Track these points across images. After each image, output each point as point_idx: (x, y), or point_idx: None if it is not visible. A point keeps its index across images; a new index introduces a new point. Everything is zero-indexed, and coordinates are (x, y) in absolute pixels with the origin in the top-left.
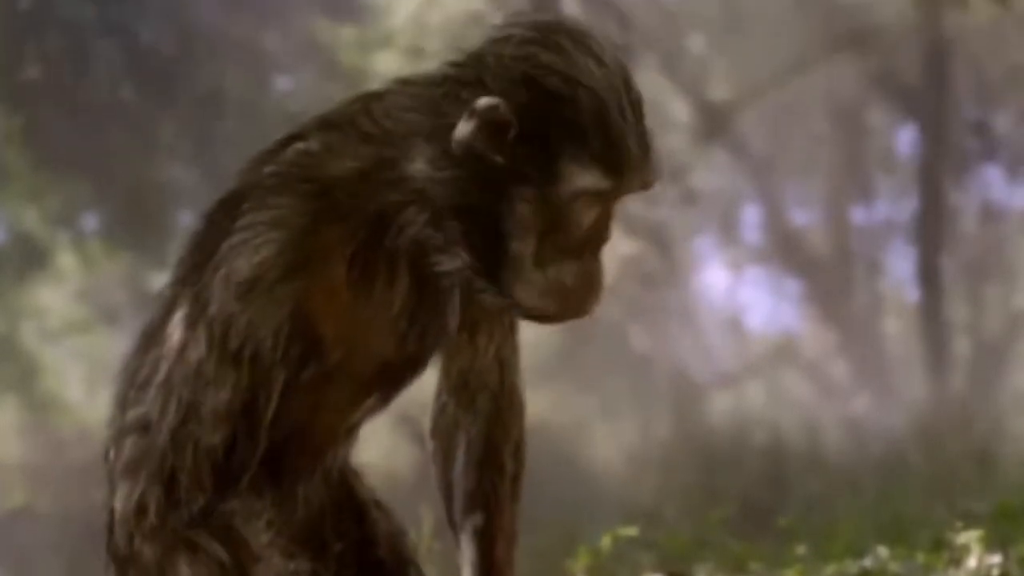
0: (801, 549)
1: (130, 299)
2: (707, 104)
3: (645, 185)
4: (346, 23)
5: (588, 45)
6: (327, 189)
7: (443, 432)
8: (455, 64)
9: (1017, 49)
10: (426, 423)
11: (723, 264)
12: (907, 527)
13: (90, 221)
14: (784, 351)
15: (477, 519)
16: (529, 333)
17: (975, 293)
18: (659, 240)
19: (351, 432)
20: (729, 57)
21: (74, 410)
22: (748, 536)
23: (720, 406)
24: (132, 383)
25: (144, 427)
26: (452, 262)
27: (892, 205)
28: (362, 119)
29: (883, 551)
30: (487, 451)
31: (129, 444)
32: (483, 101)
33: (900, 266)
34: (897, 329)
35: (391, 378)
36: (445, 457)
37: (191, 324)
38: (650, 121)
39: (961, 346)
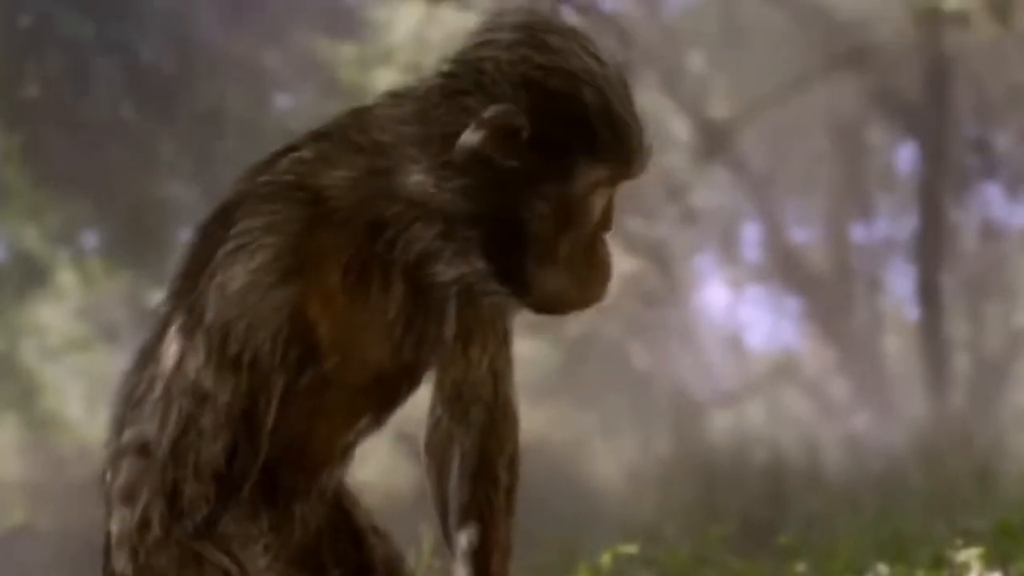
0: (801, 567)
1: (130, 317)
2: (707, 122)
3: (644, 168)
4: (346, 40)
5: (575, 40)
6: (320, 197)
7: (437, 446)
8: (448, 74)
9: (1017, 68)
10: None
11: (723, 282)
12: (907, 545)
13: (90, 239)
14: (784, 369)
15: (472, 533)
16: (529, 350)
17: (975, 311)
18: (659, 258)
19: (346, 452)
20: (729, 75)
21: (74, 428)
22: (748, 554)
23: (720, 423)
24: (128, 402)
25: (140, 447)
26: (453, 271)
27: (892, 223)
28: (354, 131)
29: (883, 569)
30: (481, 464)
31: (126, 466)
32: (494, 108)
33: (900, 284)
34: (897, 347)
35: (386, 391)
36: (440, 471)
37: (188, 334)
38: (651, 139)
39: (961, 364)
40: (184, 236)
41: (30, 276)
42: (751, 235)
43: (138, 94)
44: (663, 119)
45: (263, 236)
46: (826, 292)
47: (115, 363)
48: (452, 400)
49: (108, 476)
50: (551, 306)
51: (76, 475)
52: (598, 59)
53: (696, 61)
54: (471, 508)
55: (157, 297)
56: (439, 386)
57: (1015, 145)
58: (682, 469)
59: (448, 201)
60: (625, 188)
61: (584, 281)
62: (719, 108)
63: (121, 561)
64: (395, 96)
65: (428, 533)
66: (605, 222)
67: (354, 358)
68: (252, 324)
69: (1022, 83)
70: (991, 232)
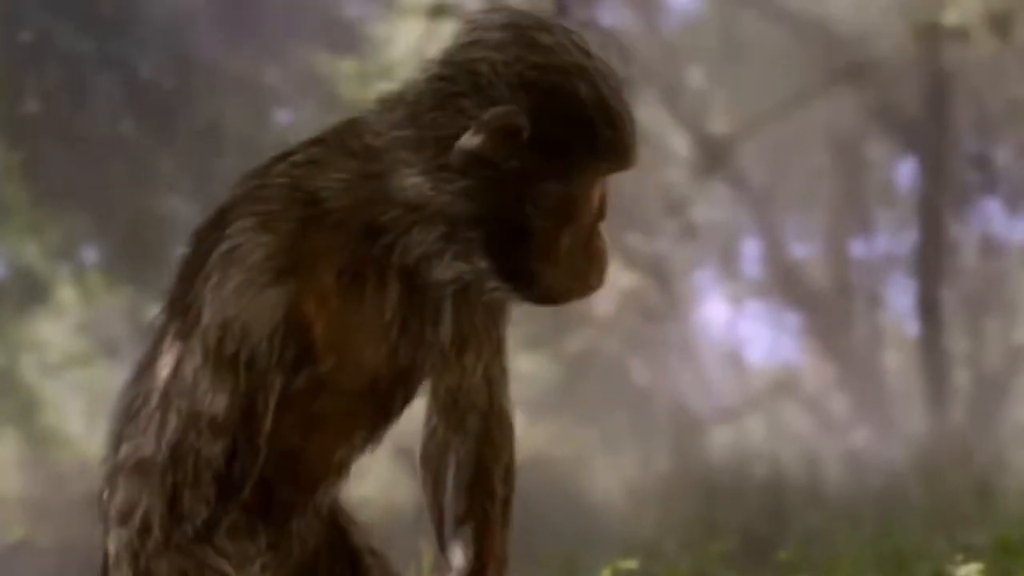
0: None
1: (130, 332)
2: (707, 137)
3: (637, 159)
4: (346, 56)
5: (564, 36)
6: (315, 199)
7: (433, 457)
8: (440, 77)
9: (1017, 83)
10: None
11: (723, 297)
12: (907, 560)
13: (90, 254)
14: (784, 384)
15: (468, 545)
16: (529, 366)
17: (975, 326)
18: (659, 274)
19: (343, 467)
20: (729, 90)
21: (74, 443)
22: (748, 569)
23: (720, 439)
24: (125, 416)
25: (137, 463)
26: (452, 271)
27: (892, 238)
28: (348, 137)
29: None
30: (477, 475)
31: (122, 484)
32: (495, 110)
33: (900, 299)
34: (897, 362)
35: (382, 400)
36: (435, 482)
37: (184, 337)
38: (650, 155)
39: (961, 379)
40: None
41: (30, 292)
42: (751, 250)
43: (138, 110)
44: (663, 134)
45: (257, 235)
46: (826, 308)
47: (115, 378)
48: (447, 408)
49: (105, 494)
50: (553, 298)
51: (76, 491)
52: (587, 53)
53: (696, 76)
54: (467, 520)
55: (157, 312)
56: (434, 394)
57: (1015, 160)
58: (682, 485)
59: (448, 203)
60: (625, 204)
61: (584, 272)
62: (719, 123)
63: (122, 569)
64: (385, 101)
65: (427, 549)
66: (600, 212)
67: (350, 360)
68: (248, 324)
69: (1022, 98)
70: (991, 247)
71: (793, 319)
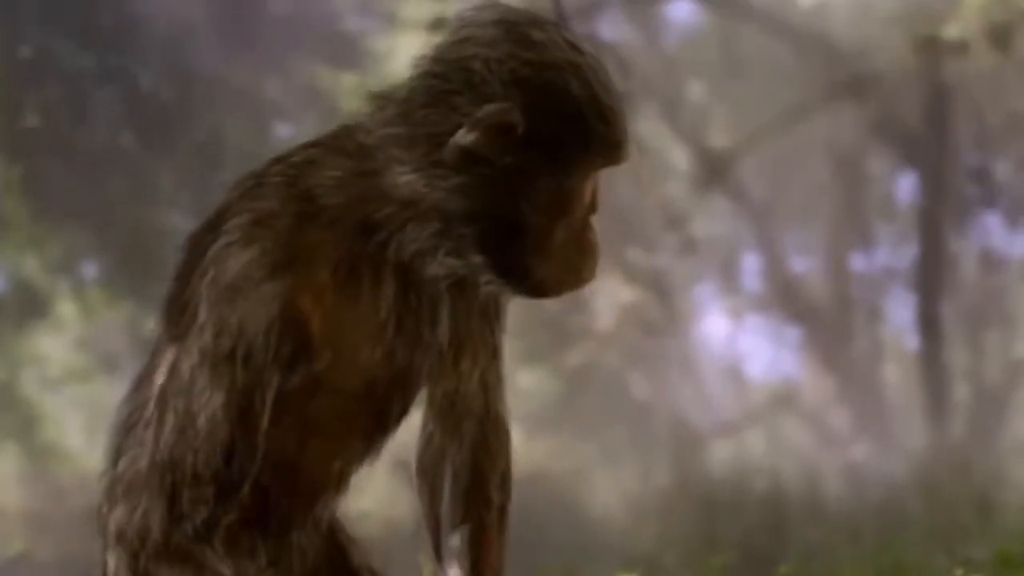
0: None
1: (130, 347)
2: (707, 151)
3: (630, 153)
4: (347, 70)
5: (555, 32)
6: (309, 196)
7: (429, 466)
8: (433, 75)
9: (1018, 96)
10: None
11: (723, 312)
12: (907, 574)
13: (90, 269)
14: (784, 399)
15: (464, 554)
16: (529, 381)
17: (975, 340)
18: (659, 288)
19: (341, 479)
20: (729, 104)
21: (74, 458)
22: None
23: (720, 454)
24: (124, 429)
25: (135, 475)
26: (446, 267)
27: (892, 252)
28: (342, 137)
29: None
30: (473, 483)
31: (121, 495)
32: (489, 108)
33: (900, 313)
34: (897, 376)
35: (379, 405)
36: (431, 491)
37: (181, 336)
38: (650, 169)
39: (961, 393)
40: None
41: (30, 306)
42: (751, 265)
43: (138, 124)
44: (663, 148)
45: (253, 231)
46: (826, 322)
47: (115, 393)
48: (444, 413)
49: (104, 508)
50: (546, 291)
51: (76, 505)
52: (578, 48)
53: (696, 91)
54: (463, 529)
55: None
56: (431, 400)
57: (1015, 174)
58: (682, 499)
59: (442, 200)
60: (625, 218)
61: (577, 265)
62: (719, 138)
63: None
64: (377, 99)
65: (427, 563)
66: (592, 206)
67: (345, 358)
68: (244, 319)
69: (1022, 112)
70: (991, 261)
71: (793, 333)
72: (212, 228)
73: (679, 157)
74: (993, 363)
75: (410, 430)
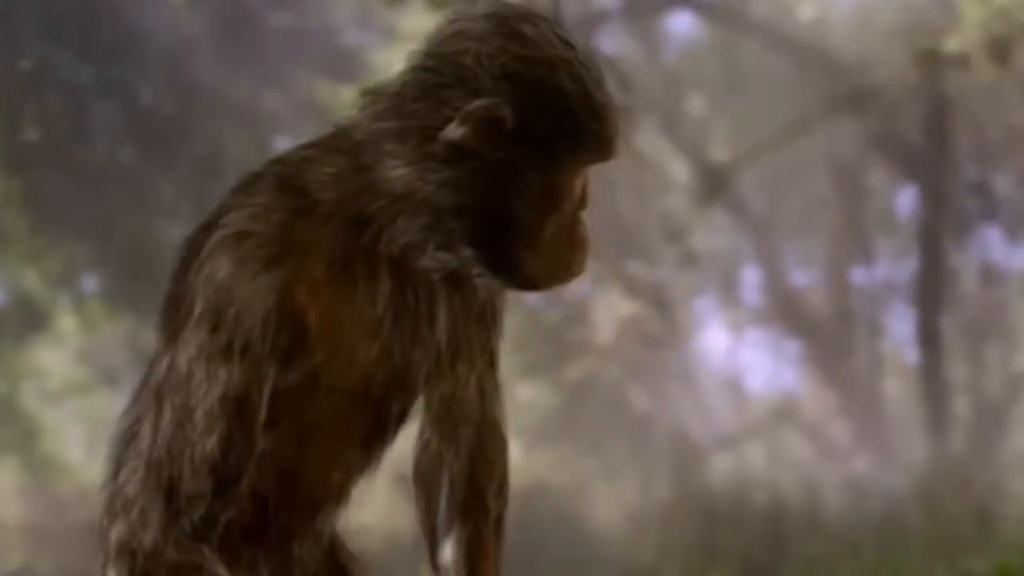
0: None
1: (130, 360)
2: (707, 165)
3: (621, 149)
4: (346, 84)
5: (547, 27)
6: (304, 191)
7: (426, 474)
8: (425, 68)
9: (1017, 110)
10: None
11: (723, 325)
12: None
13: (90, 282)
14: (784, 412)
15: (461, 565)
16: (528, 395)
17: (975, 354)
18: (659, 301)
19: (341, 491)
20: (729, 118)
21: (74, 471)
22: None
23: (720, 467)
24: (124, 442)
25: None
26: (437, 260)
27: (892, 266)
28: (337, 136)
29: None
30: (471, 492)
31: (120, 509)
32: (479, 102)
33: (900, 327)
34: (897, 390)
35: (376, 407)
36: (428, 498)
37: (177, 332)
38: (651, 182)
39: (961, 407)
40: None
41: (30, 320)
42: (751, 278)
43: (138, 137)
44: (663, 162)
45: (247, 224)
46: (826, 335)
47: (115, 406)
48: (440, 419)
49: (104, 523)
50: (536, 285)
51: (76, 518)
52: (569, 44)
53: (696, 104)
54: (460, 540)
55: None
56: (427, 405)
57: (1015, 188)
58: (682, 512)
59: (433, 193)
60: (625, 231)
61: (567, 259)
62: (719, 151)
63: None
64: (369, 93)
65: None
66: (582, 200)
67: (342, 355)
68: (240, 311)
69: (1022, 125)
70: (991, 275)
71: (793, 347)
72: (209, 227)
73: (679, 170)
74: (993, 377)
75: (410, 443)
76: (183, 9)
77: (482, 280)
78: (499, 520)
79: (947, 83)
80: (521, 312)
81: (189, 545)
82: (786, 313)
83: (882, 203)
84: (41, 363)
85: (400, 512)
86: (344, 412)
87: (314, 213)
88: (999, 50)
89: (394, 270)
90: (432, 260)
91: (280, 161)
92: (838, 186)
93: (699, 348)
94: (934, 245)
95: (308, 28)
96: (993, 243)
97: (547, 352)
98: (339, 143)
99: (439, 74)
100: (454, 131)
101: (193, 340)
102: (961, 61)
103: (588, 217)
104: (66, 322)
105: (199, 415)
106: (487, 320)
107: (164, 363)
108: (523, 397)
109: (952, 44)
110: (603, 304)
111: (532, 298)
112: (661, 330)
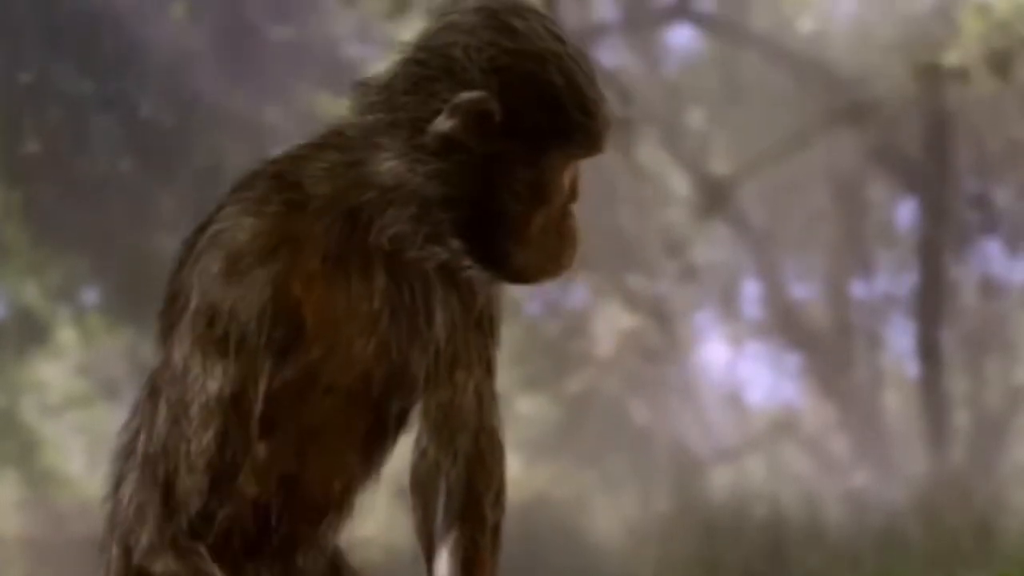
0: None
1: (130, 373)
2: (707, 178)
3: (609, 144)
4: (347, 96)
5: (537, 21)
6: (298, 186)
7: (423, 483)
8: (415, 61)
9: (1017, 123)
10: None
11: (723, 339)
12: None
13: (90, 295)
14: (784, 425)
15: (457, 574)
16: (528, 408)
17: (975, 367)
18: (659, 315)
19: (343, 500)
20: (729, 131)
21: (75, 484)
22: None
23: (720, 480)
24: (124, 455)
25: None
26: (427, 251)
27: (892, 279)
28: (329, 133)
29: None
30: (468, 500)
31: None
32: (467, 95)
33: (900, 340)
34: (897, 403)
35: (375, 407)
36: (425, 507)
37: (172, 327)
38: (651, 195)
39: (961, 420)
40: None
41: (30, 333)
42: (751, 291)
43: (138, 150)
44: (663, 174)
45: (242, 219)
46: (826, 348)
47: (115, 419)
48: (438, 426)
49: (106, 535)
50: (525, 278)
51: (76, 532)
52: (559, 38)
53: (696, 117)
54: (457, 549)
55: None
56: (425, 412)
57: (1015, 201)
58: (682, 525)
59: (421, 185)
60: (625, 244)
61: (556, 253)
62: (719, 164)
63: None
64: (360, 86)
65: None
66: (572, 194)
67: (339, 350)
68: (236, 304)
69: (1022, 138)
70: (991, 288)
71: (793, 360)
72: (205, 226)
73: (679, 183)
74: (993, 390)
75: (409, 457)
76: (183, 22)
77: (472, 273)
78: (496, 529)
79: (947, 96)
80: (520, 324)
81: (185, 542)
82: (786, 326)
83: (882, 216)
84: (41, 376)
85: (400, 525)
86: (343, 412)
87: (308, 208)
88: (999, 63)
89: (389, 265)
90: (422, 252)
91: (276, 160)
92: (838, 199)
93: (699, 361)
94: (934, 258)
95: (308, 41)
96: (993, 256)
97: (547, 365)
98: (332, 139)
99: (428, 67)
100: (443, 123)
101: (188, 335)
102: (961, 74)
103: (587, 228)
104: (66, 335)
105: (195, 410)
106: (484, 327)
107: (161, 355)
108: (523, 410)
109: (952, 57)
110: (603, 317)
111: (532, 310)
112: (661, 343)
